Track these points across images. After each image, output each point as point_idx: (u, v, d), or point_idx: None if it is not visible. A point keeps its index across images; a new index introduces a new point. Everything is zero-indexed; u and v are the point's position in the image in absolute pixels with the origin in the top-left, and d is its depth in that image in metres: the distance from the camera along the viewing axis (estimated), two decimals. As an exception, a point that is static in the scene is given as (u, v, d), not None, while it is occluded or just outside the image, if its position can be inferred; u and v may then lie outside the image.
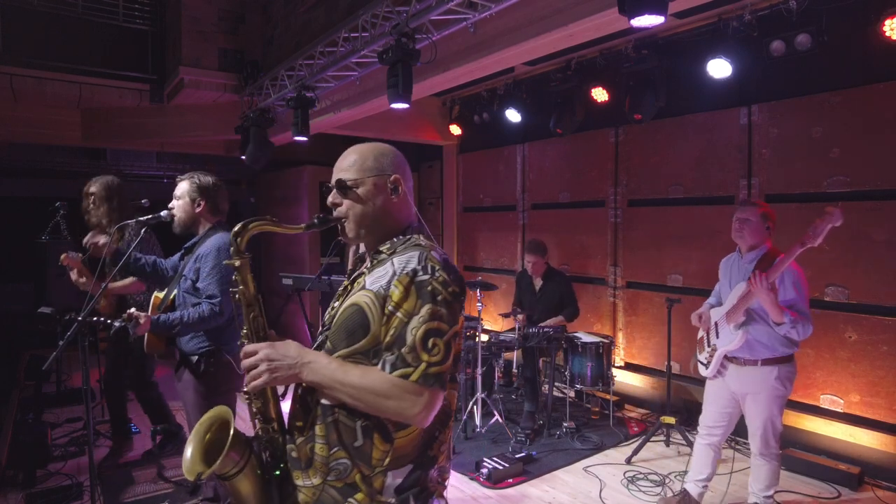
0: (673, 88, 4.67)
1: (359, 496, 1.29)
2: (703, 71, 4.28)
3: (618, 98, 5.03)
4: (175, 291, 2.83)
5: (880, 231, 3.76)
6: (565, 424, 4.53)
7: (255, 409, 1.40)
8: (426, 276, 1.28)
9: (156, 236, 3.81)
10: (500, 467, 3.75)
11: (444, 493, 1.42)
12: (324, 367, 1.29)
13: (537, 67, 5.71)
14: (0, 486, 3.60)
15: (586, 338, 4.78)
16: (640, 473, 3.83)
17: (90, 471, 2.49)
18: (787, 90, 4.20)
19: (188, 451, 1.36)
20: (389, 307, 1.28)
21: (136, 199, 3.64)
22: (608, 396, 4.77)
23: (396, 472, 1.30)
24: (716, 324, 3.07)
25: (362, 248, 1.52)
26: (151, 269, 2.96)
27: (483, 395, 4.59)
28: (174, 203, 2.83)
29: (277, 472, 1.38)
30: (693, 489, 3.25)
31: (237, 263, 1.39)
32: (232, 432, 1.31)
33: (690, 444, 3.85)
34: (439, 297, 1.27)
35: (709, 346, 3.11)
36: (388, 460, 1.29)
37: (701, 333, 3.19)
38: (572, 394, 5.06)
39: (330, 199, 1.44)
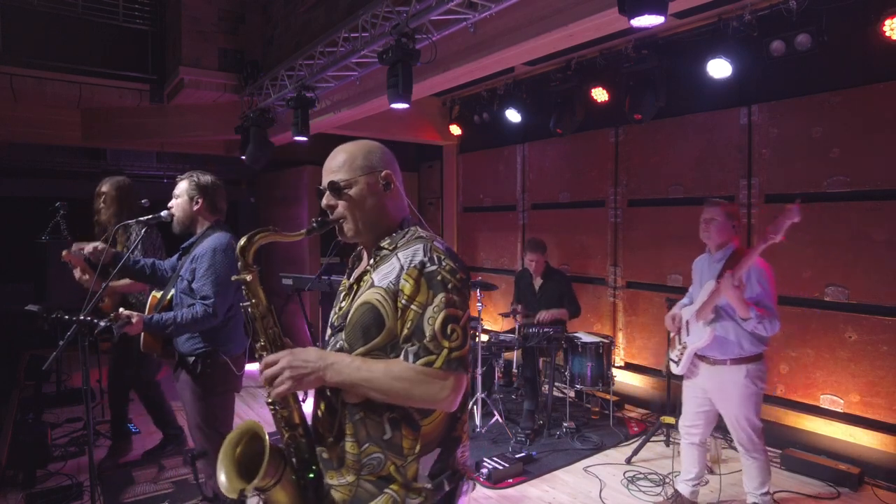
0: (673, 88, 4.67)
1: (394, 486, 1.32)
2: (703, 71, 4.28)
3: (618, 98, 5.03)
4: (172, 292, 2.83)
5: (880, 231, 3.76)
6: (565, 424, 4.53)
7: (280, 418, 1.41)
8: (434, 267, 1.31)
9: (160, 237, 3.80)
10: (500, 467, 3.75)
11: (472, 474, 1.45)
12: (347, 365, 1.30)
13: (537, 67, 5.71)
14: (0, 486, 3.60)
15: (586, 338, 4.78)
16: (640, 473, 3.83)
17: (90, 471, 2.48)
18: (787, 90, 4.20)
19: (222, 471, 1.35)
20: (402, 301, 1.30)
21: (136, 200, 3.64)
22: (608, 396, 4.77)
23: (427, 458, 1.34)
24: (687, 322, 3.13)
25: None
26: (150, 271, 2.96)
27: (483, 395, 4.59)
28: (173, 202, 2.83)
29: (311, 475, 1.40)
30: (684, 489, 3.29)
31: (248, 279, 1.40)
32: (268, 447, 1.31)
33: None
34: (450, 285, 1.31)
35: (680, 343, 3.19)
36: (418, 447, 1.33)
37: (673, 332, 3.26)
38: (572, 394, 5.06)
39: (324, 201, 1.44)
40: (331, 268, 5.86)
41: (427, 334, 1.28)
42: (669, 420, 4.20)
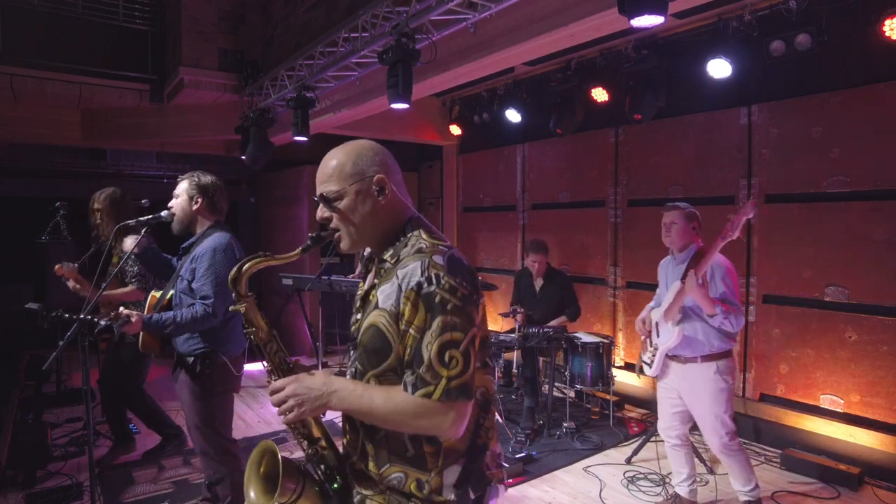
0: (673, 88, 4.67)
1: (416, 502, 1.31)
2: (702, 71, 4.28)
3: (618, 98, 5.03)
4: (171, 291, 2.83)
5: (880, 231, 3.76)
6: (565, 424, 4.53)
7: (298, 434, 1.42)
8: (432, 287, 1.24)
9: (155, 240, 3.81)
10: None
11: (503, 477, 1.43)
12: (350, 392, 1.29)
13: (537, 67, 5.71)
14: (0, 486, 3.60)
15: (586, 338, 4.78)
16: (640, 473, 3.83)
17: (90, 471, 2.48)
18: (787, 90, 4.20)
19: (251, 490, 1.39)
20: (402, 325, 1.27)
21: (136, 200, 3.64)
22: (608, 396, 4.77)
23: (450, 470, 1.31)
24: (656, 324, 3.20)
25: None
26: (169, 268, 2.98)
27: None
28: (173, 202, 2.83)
29: (336, 486, 1.39)
30: (682, 491, 3.32)
31: (242, 309, 1.40)
32: (282, 463, 1.33)
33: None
34: (449, 306, 1.23)
35: (651, 346, 3.25)
36: (440, 461, 1.30)
37: (644, 336, 3.31)
38: (572, 394, 5.06)
39: (318, 214, 1.39)
40: (331, 268, 5.87)
41: (424, 362, 1.23)
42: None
